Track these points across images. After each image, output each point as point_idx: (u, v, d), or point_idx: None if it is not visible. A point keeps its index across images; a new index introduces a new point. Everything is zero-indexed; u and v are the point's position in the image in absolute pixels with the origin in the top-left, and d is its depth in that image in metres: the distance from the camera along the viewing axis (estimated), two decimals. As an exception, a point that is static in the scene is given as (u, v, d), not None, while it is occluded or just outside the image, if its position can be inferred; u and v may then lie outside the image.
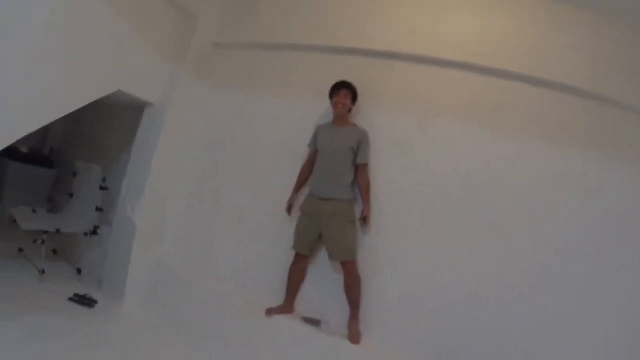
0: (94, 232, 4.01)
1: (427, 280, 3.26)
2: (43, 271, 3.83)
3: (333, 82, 3.38)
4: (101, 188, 4.02)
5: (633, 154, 3.16)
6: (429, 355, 3.18)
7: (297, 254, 3.36)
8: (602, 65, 3.27)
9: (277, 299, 3.41)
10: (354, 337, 3.16)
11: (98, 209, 4.00)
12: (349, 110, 3.40)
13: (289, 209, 3.46)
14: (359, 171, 3.30)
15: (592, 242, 3.10)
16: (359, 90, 3.40)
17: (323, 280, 3.39)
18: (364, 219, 3.25)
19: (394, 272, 3.31)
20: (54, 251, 4.30)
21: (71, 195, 4.28)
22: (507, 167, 3.27)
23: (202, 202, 3.84)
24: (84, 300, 3.68)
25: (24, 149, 4.79)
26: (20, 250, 4.18)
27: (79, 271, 4.10)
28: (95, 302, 3.71)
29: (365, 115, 3.50)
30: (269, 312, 3.32)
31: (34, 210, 4.37)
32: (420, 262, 3.29)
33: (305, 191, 3.45)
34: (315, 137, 3.44)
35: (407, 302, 3.28)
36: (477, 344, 3.16)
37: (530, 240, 3.16)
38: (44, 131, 4.93)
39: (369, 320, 3.26)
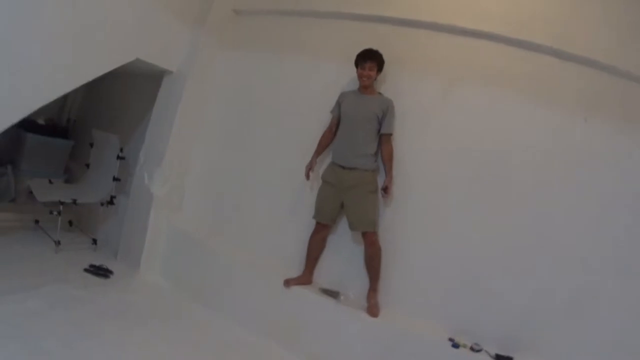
0: (110, 202, 3.98)
1: (448, 253, 3.20)
2: (59, 242, 3.82)
3: (356, 48, 3.27)
4: (118, 158, 3.97)
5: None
6: (448, 329, 3.14)
7: (317, 224, 3.29)
8: (631, 42, 3.12)
9: (297, 269, 3.36)
10: (373, 309, 3.10)
11: (115, 179, 3.96)
12: (376, 79, 3.30)
13: (308, 174, 3.36)
14: (383, 141, 3.22)
15: (617, 219, 2.99)
16: (386, 58, 3.30)
17: (343, 252, 3.34)
18: (385, 190, 3.16)
19: (415, 244, 3.24)
20: (70, 222, 4.29)
21: (88, 165, 4.25)
22: (530, 138, 3.17)
23: (221, 171, 3.78)
24: (100, 271, 3.66)
25: (41, 121, 4.76)
26: (37, 222, 4.17)
27: (94, 242, 4.08)
28: (111, 272, 3.69)
29: (390, 82, 3.41)
30: (288, 282, 3.27)
31: (50, 182, 4.35)
32: (442, 234, 3.22)
33: (326, 159, 3.37)
34: (338, 104, 3.34)
35: (427, 274, 3.22)
36: (495, 317, 3.12)
37: (552, 214, 3.07)
38: (61, 102, 4.92)
39: (388, 293, 3.21)
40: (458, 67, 3.37)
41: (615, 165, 3.06)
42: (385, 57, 3.29)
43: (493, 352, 3.03)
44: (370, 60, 3.22)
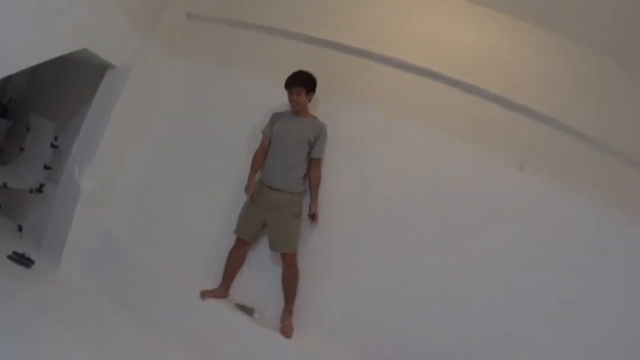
0: (39, 190, 3.89)
1: (368, 285, 3.26)
2: None
3: (302, 68, 3.28)
4: (52, 146, 3.87)
5: (594, 191, 3.18)
6: (361, 356, 3.19)
7: (238, 239, 3.30)
8: (573, 95, 3.28)
9: (215, 281, 3.37)
10: (286, 329, 3.14)
11: (46, 167, 3.86)
12: (309, 100, 3.31)
13: (251, 195, 3.26)
14: (313, 165, 3.25)
15: (548, 267, 3.12)
16: (327, 82, 3.34)
17: (262, 270, 3.36)
18: (313, 217, 3.21)
19: (336, 271, 3.30)
20: (-1, 206, 4.18)
21: (22, 149, 4.13)
22: (467, 180, 3.28)
23: (154, 174, 3.75)
24: (23, 260, 3.56)
25: (-19, 96, 4.61)
26: (-39, 204, 4.04)
27: (20, 228, 3.97)
28: (32, 262, 3.59)
29: (329, 108, 3.45)
30: (204, 294, 3.27)
31: (-18, 161, 4.23)
32: (365, 264, 3.28)
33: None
34: (271, 124, 3.35)
35: (345, 303, 3.28)
36: (416, 351, 3.17)
37: (483, 256, 3.17)
38: (4, 82, 4.75)
39: (304, 315, 3.25)
40: (401, 101, 3.44)
41: (548, 216, 3.19)
42: (326, 81, 3.33)
43: None
44: (297, 85, 3.22)
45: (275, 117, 3.36)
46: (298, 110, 3.27)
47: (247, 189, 3.28)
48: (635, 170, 3.19)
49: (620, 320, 3.04)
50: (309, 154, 3.24)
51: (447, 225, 3.25)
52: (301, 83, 3.22)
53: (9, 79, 4.59)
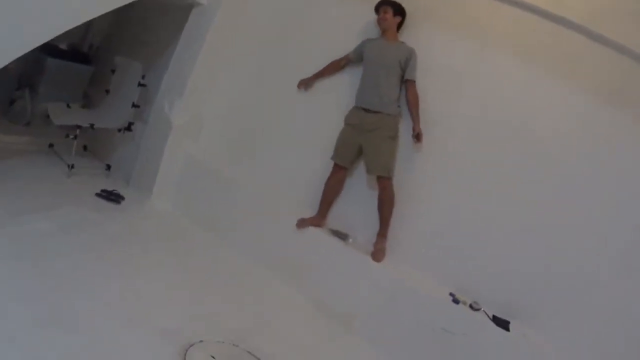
0: (128, 128, 3.97)
1: (461, 211, 3.22)
2: (72, 166, 3.83)
3: None
4: (139, 85, 3.94)
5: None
6: (450, 284, 3.18)
7: (335, 165, 3.30)
8: None
9: (310, 209, 3.38)
10: (378, 254, 3.15)
11: (134, 106, 3.93)
12: (398, 27, 3.33)
13: (301, 85, 3.55)
14: (408, 87, 3.22)
15: (627, 204, 2.97)
16: (416, 9, 3.30)
17: (358, 196, 3.36)
18: (417, 136, 3.16)
19: (430, 197, 3.26)
20: (85, 147, 4.28)
21: (108, 92, 4.23)
22: (555, 115, 3.15)
23: (243, 105, 3.77)
24: (112, 196, 3.69)
25: (63, 46, 4.73)
26: (51, 145, 4.16)
27: (108, 167, 4.10)
28: (122, 198, 3.71)
29: (422, 36, 3.37)
30: (301, 223, 3.29)
31: (68, 106, 4.33)
32: (458, 191, 3.23)
33: (350, 104, 3.34)
34: (360, 47, 3.37)
35: (437, 228, 3.25)
36: (498, 280, 3.15)
37: (567, 188, 3.07)
38: (85, 28, 4.87)
39: (397, 242, 3.24)
40: (494, 32, 3.31)
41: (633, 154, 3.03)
42: (417, 9, 3.29)
43: (491, 313, 3.07)
44: (384, 4, 3.28)
45: (365, 43, 3.38)
46: (385, 28, 3.29)
47: (300, 81, 3.54)
48: None
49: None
50: (402, 77, 3.22)
51: (537, 161, 3.14)
52: (388, 3, 3.28)
53: (89, 26, 4.71)
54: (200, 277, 3.12)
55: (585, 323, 3.01)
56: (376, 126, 3.18)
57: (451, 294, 3.13)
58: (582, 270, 3.02)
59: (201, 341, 2.50)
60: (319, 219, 3.34)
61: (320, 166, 3.36)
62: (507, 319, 3.08)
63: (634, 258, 2.95)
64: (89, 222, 3.24)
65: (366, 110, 3.21)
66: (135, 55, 4.15)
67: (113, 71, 4.22)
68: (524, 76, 3.23)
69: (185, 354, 2.36)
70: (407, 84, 3.22)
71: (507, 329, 3.00)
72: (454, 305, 3.06)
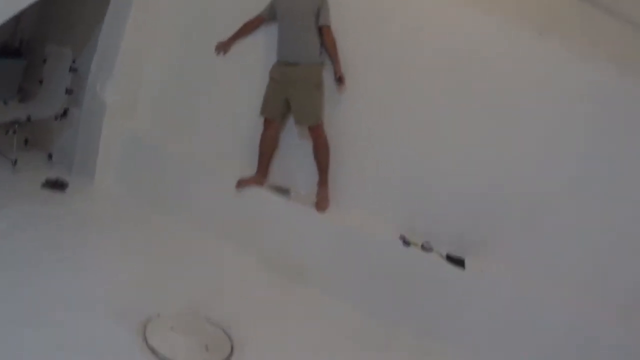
0: (64, 114, 3.93)
1: (399, 149, 3.26)
2: (15, 162, 3.76)
3: None
4: (71, 70, 3.90)
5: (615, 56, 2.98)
6: (398, 227, 3.23)
7: (266, 121, 3.32)
8: None
9: (251, 170, 3.39)
10: (321, 203, 3.20)
11: (68, 92, 3.89)
12: None
13: (219, 48, 3.55)
14: (324, 33, 3.23)
15: (574, 127, 3.01)
16: None
17: (293, 149, 3.40)
18: (340, 79, 3.19)
19: (366, 139, 3.30)
20: (26, 141, 4.21)
21: (41, 82, 4.18)
22: (490, 45, 3.13)
23: (174, 76, 3.76)
24: (56, 185, 3.65)
25: (-7, 46, 4.64)
26: (-9, 145, 4.10)
27: (50, 157, 4.05)
28: (67, 184, 3.68)
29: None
30: (241, 183, 3.32)
31: (5, 103, 4.27)
32: (393, 130, 3.26)
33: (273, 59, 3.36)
34: (271, 4, 3.36)
35: (378, 170, 3.30)
36: (446, 217, 3.21)
37: (511, 115, 3.09)
38: (14, 24, 4.78)
39: (340, 189, 3.29)
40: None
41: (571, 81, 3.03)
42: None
43: (444, 252, 3.12)
44: None
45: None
46: None
47: (217, 45, 3.55)
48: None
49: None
50: (317, 23, 3.21)
51: (475, 88, 3.14)
52: None
53: (18, 21, 4.63)
54: (150, 253, 3.12)
55: (540, 249, 3.04)
56: (299, 77, 3.20)
57: (401, 237, 3.16)
58: (531, 195, 3.05)
59: (159, 315, 2.51)
60: (258, 178, 3.36)
61: (254, 125, 3.38)
62: (462, 256, 3.12)
63: (582, 180, 2.99)
64: (38, 215, 3.20)
65: (287, 63, 3.23)
66: (66, 41, 4.08)
67: (45, 61, 4.17)
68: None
69: (144, 331, 2.37)
70: (322, 30, 3.22)
71: (463, 267, 3.05)
72: (404, 248, 3.10)
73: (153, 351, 2.25)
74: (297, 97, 3.22)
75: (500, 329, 2.93)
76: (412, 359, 2.81)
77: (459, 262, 3.08)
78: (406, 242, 3.13)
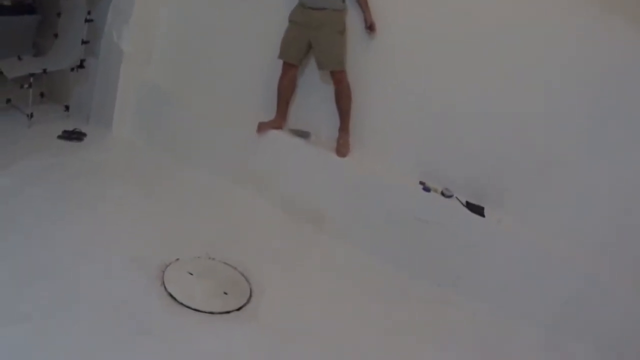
0: (80, 65, 3.90)
1: (422, 97, 3.21)
2: (32, 115, 3.77)
3: None
4: (86, 21, 3.86)
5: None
6: (419, 173, 3.24)
7: (284, 64, 3.29)
8: None
9: (269, 114, 3.38)
10: (341, 149, 3.19)
11: (84, 42, 3.86)
12: None
13: None
14: None
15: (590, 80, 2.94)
16: None
17: (313, 93, 3.38)
18: (370, 27, 3.14)
19: (389, 87, 3.26)
20: (42, 94, 4.21)
21: (56, 35, 4.16)
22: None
23: (191, 21, 3.72)
24: (73, 135, 3.68)
25: (7, 2, 4.61)
26: (8, 100, 4.09)
27: (67, 108, 4.06)
28: (84, 135, 3.70)
29: None
30: (261, 127, 3.31)
31: (19, 58, 4.26)
32: (417, 79, 3.21)
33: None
34: None
35: (400, 117, 3.27)
36: (468, 166, 3.19)
37: (529, 69, 3.02)
38: (26, -20, 4.76)
39: (361, 135, 3.28)
40: None
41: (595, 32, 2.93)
42: None
43: (464, 199, 3.12)
44: None
45: None
46: None
47: None
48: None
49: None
50: None
51: (498, 40, 3.06)
52: None
53: (30, -22, 4.61)
54: (168, 200, 3.16)
55: (555, 203, 3.03)
56: (323, 22, 3.14)
57: (421, 183, 3.17)
58: (551, 147, 3.02)
59: (177, 259, 2.56)
60: (278, 121, 3.35)
61: (272, 68, 3.34)
62: (481, 204, 3.12)
63: (599, 130, 2.94)
64: (53, 167, 3.21)
65: (312, 7, 3.16)
66: (81, -8, 4.09)
67: (59, 14, 4.16)
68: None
69: (163, 275, 2.41)
70: None
71: (482, 215, 3.05)
72: (425, 193, 3.10)
73: (172, 297, 2.27)
74: (322, 42, 3.17)
75: (517, 280, 2.94)
76: (429, 309, 2.83)
77: (478, 209, 3.09)
78: (426, 188, 3.13)
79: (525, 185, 3.10)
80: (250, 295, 2.46)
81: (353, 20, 3.23)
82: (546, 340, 2.78)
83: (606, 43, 2.92)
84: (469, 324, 2.78)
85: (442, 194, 3.12)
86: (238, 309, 2.34)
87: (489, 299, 2.90)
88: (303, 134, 3.28)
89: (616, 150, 2.93)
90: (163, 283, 2.35)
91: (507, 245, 2.94)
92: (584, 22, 2.94)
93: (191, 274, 2.48)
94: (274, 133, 3.30)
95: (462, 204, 3.09)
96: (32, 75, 3.78)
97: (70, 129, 3.73)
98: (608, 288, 2.80)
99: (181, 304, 2.25)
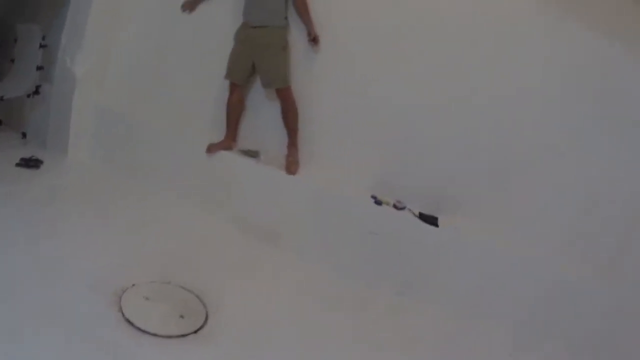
0: (36, 92, 3.93)
1: (370, 108, 3.25)
2: None
3: None
4: (41, 46, 3.90)
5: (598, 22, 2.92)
6: (370, 186, 3.25)
7: (231, 85, 3.33)
8: None
9: (220, 133, 3.42)
10: (291, 166, 3.22)
11: (39, 68, 3.89)
12: None
13: (187, 6, 3.52)
14: None
15: (548, 88, 2.99)
16: None
17: (261, 111, 3.41)
18: (314, 40, 3.18)
19: (335, 100, 3.31)
20: (0, 122, 4.24)
21: (13, 60, 4.17)
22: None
23: (142, 44, 3.77)
24: (30, 163, 3.66)
25: (-35, 30, 4.62)
26: (-34, 129, 4.10)
27: (24, 135, 4.05)
28: (41, 162, 3.69)
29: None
30: (211, 149, 3.34)
31: (-24, 85, 4.27)
32: (363, 89, 3.26)
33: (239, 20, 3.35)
34: None
35: (348, 130, 3.30)
36: (418, 176, 3.21)
37: (480, 76, 3.07)
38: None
39: (309, 151, 3.31)
40: None
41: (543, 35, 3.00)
42: None
43: (416, 211, 3.12)
44: None
45: None
46: None
47: (184, 3, 3.53)
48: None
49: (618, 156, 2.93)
50: None
51: (444, 46, 3.13)
52: None
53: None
54: (124, 222, 3.16)
55: (512, 206, 3.05)
56: (265, 40, 3.20)
57: (373, 196, 3.18)
58: (502, 153, 3.05)
59: (133, 285, 2.54)
60: (228, 142, 3.38)
61: (222, 88, 3.40)
62: (435, 214, 3.12)
63: (554, 132, 2.98)
64: (11, 195, 3.20)
65: (253, 26, 3.22)
66: (35, 17, 4.10)
67: (15, 40, 4.17)
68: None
69: (120, 300, 2.40)
70: None
71: (436, 225, 3.05)
72: (376, 207, 3.11)
73: (129, 322, 2.27)
74: (265, 60, 3.22)
75: (475, 284, 2.94)
76: (388, 318, 2.81)
77: (432, 220, 3.09)
78: (378, 202, 3.14)
79: (481, 191, 3.12)
80: (207, 317, 2.45)
81: (296, 35, 3.29)
82: (515, 340, 2.77)
83: (564, 45, 2.96)
84: (433, 329, 2.77)
85: (395, 206, 3.14)
86: (195, 332, 2.34)
87: (451, 303, 2.91)
88: (253, 154, 3.31)
89: (572, 151, 2.97)
90: (120, 308, 2.34)
91: (465, 251, 2.97)
92: (543, 25, 2.98)
93: (147, 299, 2.48)
94: (224, 153, 3.33)
95: (414, 215, 3.12)
96: (-11, 103, 3.79)
97: (28, 156, 3.72)
98: (575, 287, 2.82)
99: (139, 329, 2.25)
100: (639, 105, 2.86)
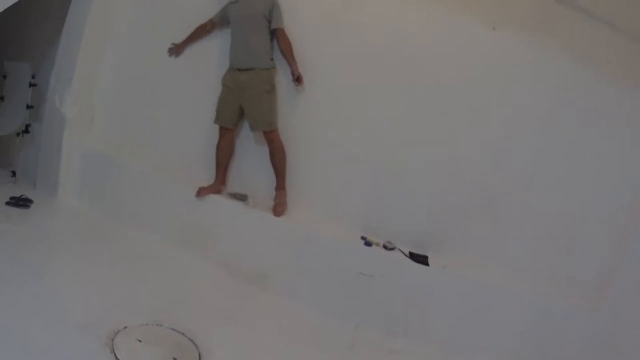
0: (25, 131, 3.93)
1: (356, 152, 3.28)
2: None
3: None
4: (31, 85, 3.91)
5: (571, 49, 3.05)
6: (359, 228, 3.27)
7: (221, 129, 3.33)
8: None
9: (208, 178, 3.40)
10: (278, 208, 3.22)
11: (29, 107, 3.90)
12: None
13: (171, 51, 3.56)
14: (278, 36, 3.24)
15: (528, 127, 3.11)
16: None
17: (250, 153, 3.42)
18: (298, 79, 3.18)
19: (323, 143, 3.33)
20: (-12, 160, 4.23)
21: (2, 98, 4.17)
22: (439, 42, 3.20)
23: (131, 86, 3.76)
24: (20, 202, 3.63)
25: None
26: (-47, 167, 4.08)
27: (13, 174, 4.04)
28: (31, 201, 3.66)
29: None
30: (200, 192, 3.32)
31: (-35, 122, 4.26)
32: (350, 132, 3.29)
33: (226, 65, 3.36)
34: (223, 11, 3.36)
35: (336, 173, 3.33)
36: (407, 216, 3.26)
37: (466, 117, 3.16)
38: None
39: (298, 193, 3.32)
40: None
41: (524, 75, 3.10)
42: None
43: (406, 250, 3.15)
44: None
45: (227, 5, 3.36)
46: None
47: (170, 48, 3.56)
48: (610, 30, 3.03)
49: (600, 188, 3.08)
50: (269, 28, 3.22)
51: (427, 87, 3.20)
52: None
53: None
54: (114, 264, 3.12)
55: (500, 241, 3.13)
56: (251, 83, 3.21)
57: (363, 237, 3.20)
58: (488, 190, 3.13)
59: (125, 327, 2.51)
60: (217, 186, 3.37)
61: (211, 131, 3.39)
62: (425, 253, 3.16)
63: (536, 166, 3.11)
64: (1, 232, 3.17)
65: (239, 69, 3.23)
66: (24, 55, 4.10)
67: (5, 77, 4.17)
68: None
69: (112, 344, 2.36)
70: (276, 33, 3.23)
71: (427, 264, 3.08)
72: (366, 248, 3.13)
73: None
74: (251, 103, 3.23)
75: (467, 323, 3.00)
76: (380, 357, 2.83)
77: (422, 259, 3.11)
78: (368, 243, 3.16)
79: (467, 227, 3.19)
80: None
81: (282, 77, 3.30)
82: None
83: (541, 83, 3.09)
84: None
85: (385, 247, 3.15)
86: (190, 375, 2.32)
87: (440, 340, 2.96)
88: (241, 197, 3.29)
89: (555, 186, 3.09)
90: (113, 351, 2.32)
91: (454, 289, 3.02)
92: (518, 64, 3.11)
93: (140, 341, 2.45)
94: (213, 197, 3.32)
95: (405, 255, 3.12)
96: (-22, 140, 3.78)
97: (18, 195, 3.70)
98: (562, 316, 2.93)
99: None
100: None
